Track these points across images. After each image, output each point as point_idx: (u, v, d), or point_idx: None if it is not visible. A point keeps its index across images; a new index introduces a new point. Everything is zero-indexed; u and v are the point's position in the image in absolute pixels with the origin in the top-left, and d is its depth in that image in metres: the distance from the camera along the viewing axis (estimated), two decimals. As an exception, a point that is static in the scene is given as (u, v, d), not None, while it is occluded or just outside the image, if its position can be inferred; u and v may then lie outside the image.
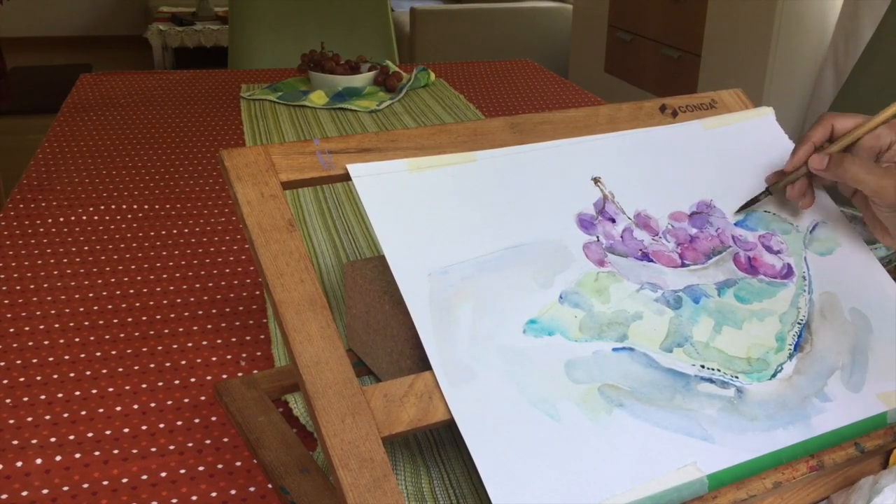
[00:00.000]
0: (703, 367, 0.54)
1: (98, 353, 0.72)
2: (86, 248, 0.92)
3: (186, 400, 0.66)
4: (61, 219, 0.99)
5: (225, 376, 0.69)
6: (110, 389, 0.67)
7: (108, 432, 0.62)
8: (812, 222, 0.65)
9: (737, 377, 0.54)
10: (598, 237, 0.58)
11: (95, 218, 0.99)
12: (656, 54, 2.93)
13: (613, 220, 0.59)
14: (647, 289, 0.57)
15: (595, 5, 3.37)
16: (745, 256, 0.61)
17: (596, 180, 0.61)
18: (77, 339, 0.74)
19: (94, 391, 0.66)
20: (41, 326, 0.76)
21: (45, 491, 0.56)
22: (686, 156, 0.65)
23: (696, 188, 0.63)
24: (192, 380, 0.68)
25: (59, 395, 0.66)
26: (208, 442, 0.61)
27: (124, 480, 0.57)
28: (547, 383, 0.50)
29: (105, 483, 0.56)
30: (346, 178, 0.54)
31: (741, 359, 0.55)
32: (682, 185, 0.63)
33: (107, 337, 0.74)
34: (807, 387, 0.55)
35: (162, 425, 0.63)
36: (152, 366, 0.70)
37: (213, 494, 0.56)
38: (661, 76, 2.92)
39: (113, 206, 1.03)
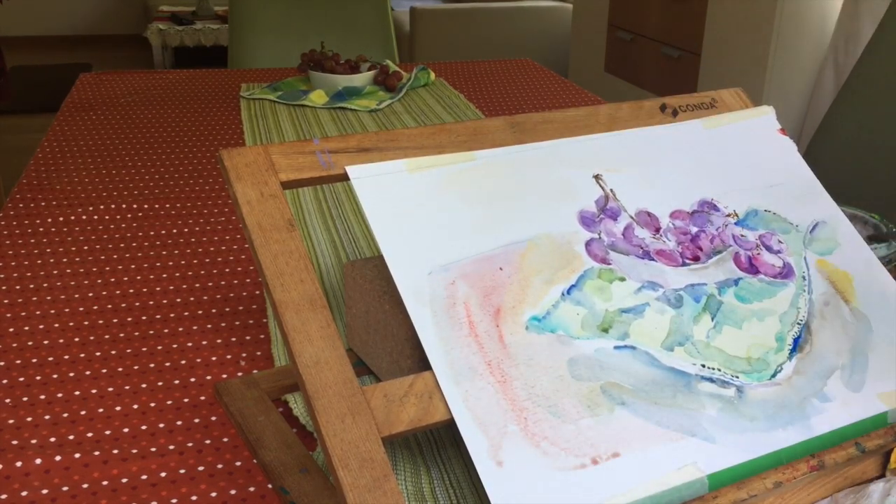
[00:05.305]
0: (703, 366, 0.54)
1: (98, 353, 0.72)
2: (86, 248, 0.91)
3: (186, 400, 0.66)
4: (61, 218, 0.99)
5: (225, 376, 0.69)
6: (110, 389, 0.67)
7: (107, 432, 0.62)
8: (812, 222, 0.65)
9: (737, 377, 0.54)
10: (599, 234, 0.58)
11: (95, 218, 0.99)
12: (656, 54, 2.93)
13: (615, 218, 0.59)
14: (649, 287, 0.57)
15: (595, 5, 3.37)
16: (745, 256, 0.61)
17: (597, 177, 0.60)
18: (77, 339, 0.74)
19: (94, 391, 0.66)
20: (41, 326, 0.76)
21: (44, 491, 0.55)
22: (686, 155, 0.65)
23: (696, 187, 0.63)
24: (192, 380, 0.68)
25: (59, 395, 0.66)
26: (208, 442, 0.61)
27: (124, 480, 0.57)
28: (549, 381, 0.50)
29: (105, 483, 0.56)
30: (346, 177, 0.54)
31: (741, 358, 0.55)
32: (683, 184, 0.63)
33: (106, 337, 0.74)
34: (806, 387, 0.55)
35: (162, 425, 0.63)
36: (152, 366, 0.70)
37: (213, 494, 0.56)
38: (661, 76, 2.92)
39: (113, 206, 1.03)
